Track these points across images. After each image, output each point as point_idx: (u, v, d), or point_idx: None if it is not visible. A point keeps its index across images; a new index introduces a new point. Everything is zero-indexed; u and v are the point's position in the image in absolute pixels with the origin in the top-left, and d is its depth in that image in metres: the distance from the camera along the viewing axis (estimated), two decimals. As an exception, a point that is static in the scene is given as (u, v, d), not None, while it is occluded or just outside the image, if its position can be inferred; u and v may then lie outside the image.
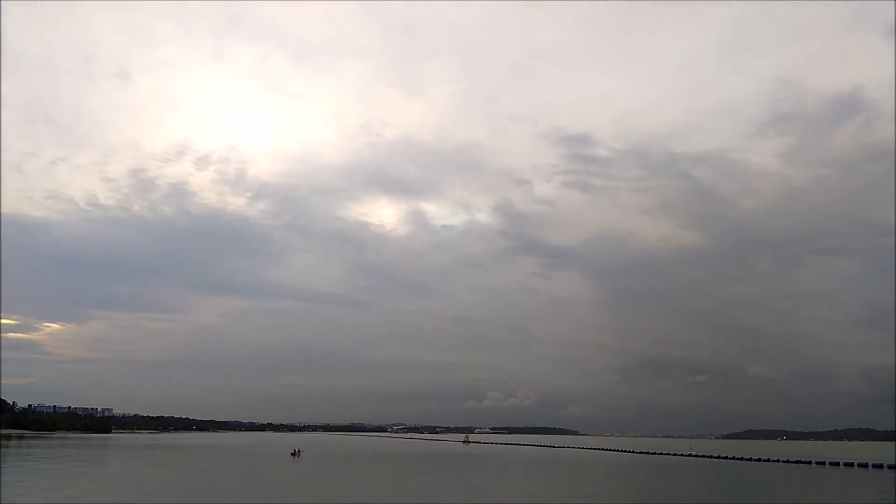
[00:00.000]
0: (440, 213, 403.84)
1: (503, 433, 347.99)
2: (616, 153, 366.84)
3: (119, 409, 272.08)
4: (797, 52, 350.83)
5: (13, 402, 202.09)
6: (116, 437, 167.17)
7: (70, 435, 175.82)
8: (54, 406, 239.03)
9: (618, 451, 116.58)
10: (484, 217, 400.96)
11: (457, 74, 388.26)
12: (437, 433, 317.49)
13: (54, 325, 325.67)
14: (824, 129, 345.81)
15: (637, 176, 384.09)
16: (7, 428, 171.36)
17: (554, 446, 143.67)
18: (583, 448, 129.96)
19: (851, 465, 71.64)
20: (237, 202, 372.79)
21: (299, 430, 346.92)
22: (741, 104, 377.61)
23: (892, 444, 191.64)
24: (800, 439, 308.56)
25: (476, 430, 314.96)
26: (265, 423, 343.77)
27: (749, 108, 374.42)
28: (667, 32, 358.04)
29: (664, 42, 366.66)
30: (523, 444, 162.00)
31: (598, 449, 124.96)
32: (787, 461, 78.09)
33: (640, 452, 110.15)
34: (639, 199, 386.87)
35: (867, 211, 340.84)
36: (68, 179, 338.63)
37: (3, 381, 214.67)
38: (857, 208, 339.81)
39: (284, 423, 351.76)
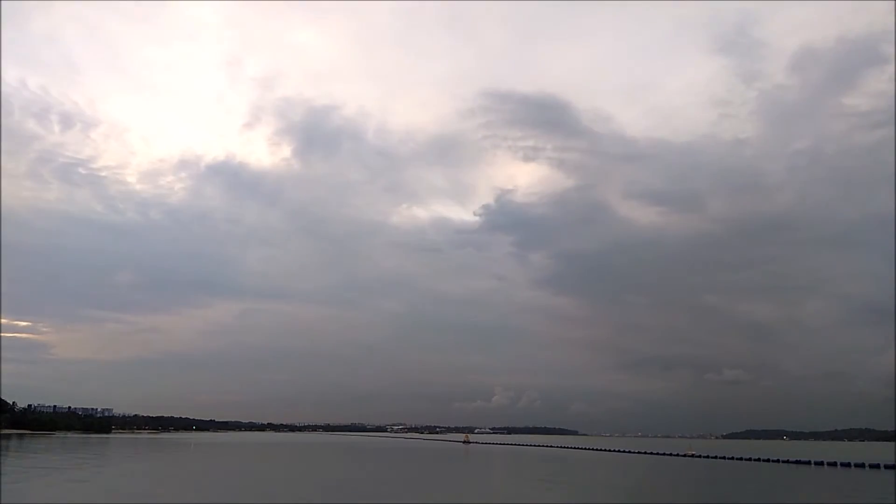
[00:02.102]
0: (434, 209, 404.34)
1: (503, 433, 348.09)
2: (604, 131, 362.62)
3: (119, 409, 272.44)
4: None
5: (13, 402, 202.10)
6: (120, 437, 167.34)
7: (70, 435, 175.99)
8: (54, 406, 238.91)
9: (615, 451, 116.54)
10: (477, 211, 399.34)
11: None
12: (437, 433, 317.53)
13: (55, 326, 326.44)
14: (834, 90, 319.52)
15: (625, 154, 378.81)
16: (7, 428, 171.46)
17: (551, 446, 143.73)
18: (581, 448, 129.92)
19: (851, 465, 71.71)
20: (242, 206, 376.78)
21: (299, 430, 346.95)
22: (736, 74, 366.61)
23: (892, 444, 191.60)
24: (800, 439, 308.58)
25: (476, 430, 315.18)
26: (265, 423, 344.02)
27: (745, 75, 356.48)
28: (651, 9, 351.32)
29: (649, 16, 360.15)
30: (519, 445, 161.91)
31: (596, 449, 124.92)
32: (787, 461, 78.15)
33: (639, 452, 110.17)
34: (630, 180, 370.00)
35: (877, 193, 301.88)
36: (84, 183, 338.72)
37: (3, 381, 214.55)
38: (866, 189, 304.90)
39: (284, 423, 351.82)
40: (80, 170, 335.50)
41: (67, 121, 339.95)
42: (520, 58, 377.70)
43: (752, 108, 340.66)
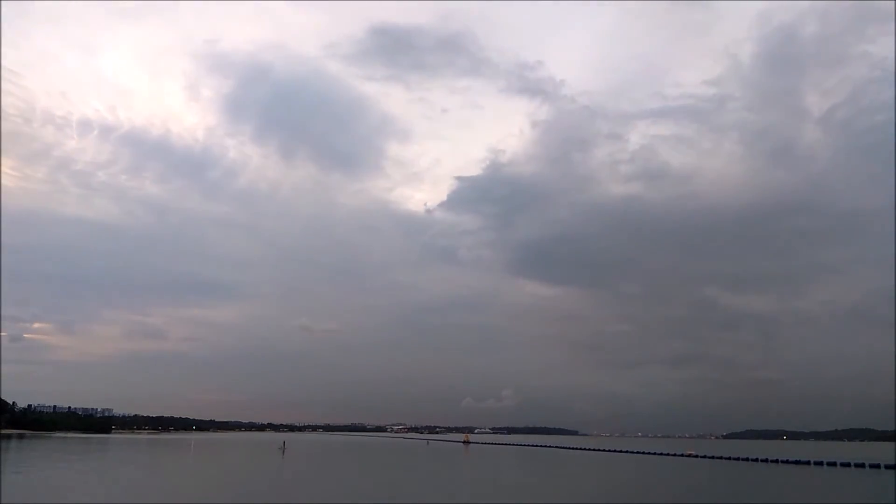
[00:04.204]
0: (424, 200, 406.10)
1: (504, 433, 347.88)
2: (595, 100, 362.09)
3: (119, 409, 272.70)
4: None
5: (13, 402, 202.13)
6: (120, 437, 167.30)
7: (70, 435, 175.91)
8: (54, 406, 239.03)
9: (615, 451, 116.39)
10: (465, 199, 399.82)
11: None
12: (437, 433, 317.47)
13: (57, 326, 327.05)
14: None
15: (616, 133, 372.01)
16: (7, 428, 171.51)
17: (550, 446, 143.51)
18: (581, 449, 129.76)
19: (851, 465, 71.64)
20: (246, 208, 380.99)
21: (299, 430, 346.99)
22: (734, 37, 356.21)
23: (892, 444, 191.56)
24: (800, 439, 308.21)
25: (476, 430, 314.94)
26: (265, 423, 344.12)
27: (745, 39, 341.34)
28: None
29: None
30: (519, 445, 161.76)
31: (596, 449, 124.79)
32: (787, 461, 78.08)
33: (639, 452, 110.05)
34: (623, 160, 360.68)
35: (880, 181, 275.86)
36: (101, 186, 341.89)
37: (3, 381, 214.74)
38: (869, 175, 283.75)
39: (284, 424, 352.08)
40: (100, 174, 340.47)
41: (86, 126, 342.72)
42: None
43: (753, 60, 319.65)
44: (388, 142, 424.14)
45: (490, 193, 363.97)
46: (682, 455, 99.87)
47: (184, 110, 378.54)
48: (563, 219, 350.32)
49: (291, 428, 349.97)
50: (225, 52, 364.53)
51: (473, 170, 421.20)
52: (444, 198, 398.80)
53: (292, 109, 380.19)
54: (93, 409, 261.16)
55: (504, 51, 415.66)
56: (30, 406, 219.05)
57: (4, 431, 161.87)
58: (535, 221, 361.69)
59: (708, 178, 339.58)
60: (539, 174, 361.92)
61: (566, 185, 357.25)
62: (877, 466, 67.93)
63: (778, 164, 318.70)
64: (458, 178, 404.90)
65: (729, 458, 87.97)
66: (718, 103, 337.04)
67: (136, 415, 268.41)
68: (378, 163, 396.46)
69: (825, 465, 73.27)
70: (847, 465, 71.87)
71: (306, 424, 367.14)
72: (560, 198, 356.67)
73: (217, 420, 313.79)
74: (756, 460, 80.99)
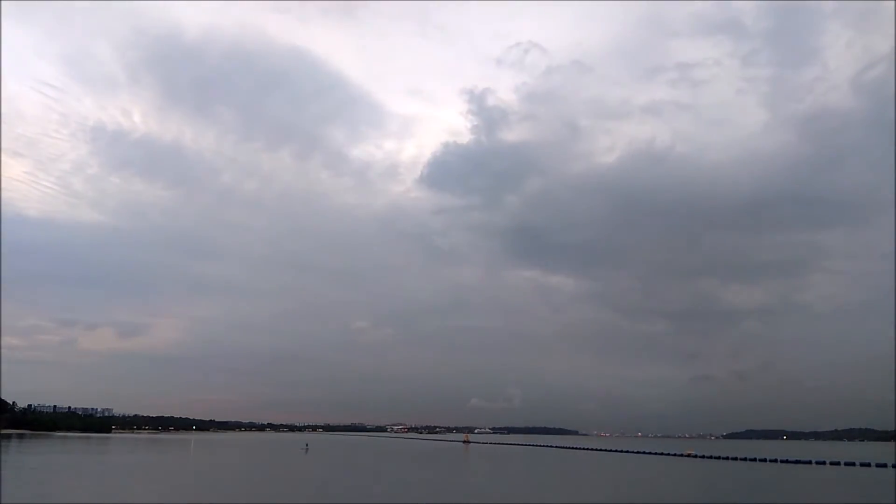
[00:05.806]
0: (420, 195, 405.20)
1: (504, 433, 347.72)
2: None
3: (119, 409, 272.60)
4: None
5: (13, 402, 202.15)
6: (120, 437, 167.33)
7: (70, 435, 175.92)
8: (54, 406, 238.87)
9: (615, 451, 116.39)
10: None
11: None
12: (437, 433, 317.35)
13: (55, 326, 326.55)
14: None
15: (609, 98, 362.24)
16: (7, 428, 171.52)
17: (551, 446, 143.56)
18: (582, 449, 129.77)
19: (852, 464, 71.65)
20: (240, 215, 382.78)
21: (299, 430, 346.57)
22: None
23: (892, 444, 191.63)
24: (800, 439, 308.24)
25: (476, 431, 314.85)
26: (265, 423, 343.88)
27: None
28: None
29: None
30: (520, 444, 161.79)
31: (596, 449, 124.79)
32: (787, 461, 78.08)
33: (639, 452, 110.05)
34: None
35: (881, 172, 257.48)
36: (113, 189, 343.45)
37: (3, 381, 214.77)
38: (871, 165, 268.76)
39: (284, 424, 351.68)
40: (115, 178, 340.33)
41: (100, 130, 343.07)
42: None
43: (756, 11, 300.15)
44: (393, 142, 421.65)
45: (481, 168, 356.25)
46: (682, 455, 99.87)
47: (196, 114, 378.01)
48: (558, 199, 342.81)
49: (291, 428, 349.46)
50: (237, 55, 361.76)
51: (461, 142, 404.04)
52: (428, 173, 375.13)
53: (306, 112, 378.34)
54: (93, 409, 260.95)
55: (481, 19, 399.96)
56: (30, 406, 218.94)
57: (4, 431, 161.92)
58: (524, 200, 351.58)
59: (708, 148, 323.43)
60: (526, 148, 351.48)
61: (556, 161, 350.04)
62: (881, 466, 67.95)
63: (791, 134, 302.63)
64: (445, 147, 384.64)
65: (729, 458, 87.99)
66: (717, 62, 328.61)
67: (136, 415, 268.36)
68: (382, 163, 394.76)
69: (826, 465, 73.29)
70: (849, 464, 71.89)
71: (306, 424, 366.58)
72: (551, 175, 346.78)
73: (217, 420, 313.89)
74: (756, 460, 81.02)
